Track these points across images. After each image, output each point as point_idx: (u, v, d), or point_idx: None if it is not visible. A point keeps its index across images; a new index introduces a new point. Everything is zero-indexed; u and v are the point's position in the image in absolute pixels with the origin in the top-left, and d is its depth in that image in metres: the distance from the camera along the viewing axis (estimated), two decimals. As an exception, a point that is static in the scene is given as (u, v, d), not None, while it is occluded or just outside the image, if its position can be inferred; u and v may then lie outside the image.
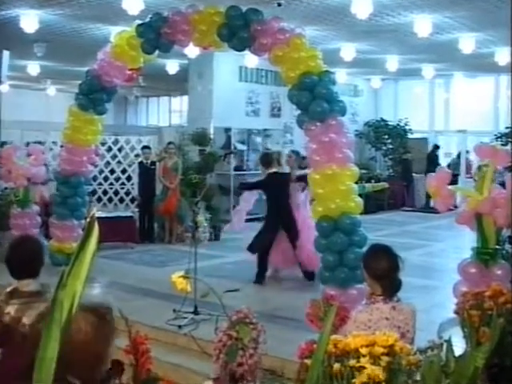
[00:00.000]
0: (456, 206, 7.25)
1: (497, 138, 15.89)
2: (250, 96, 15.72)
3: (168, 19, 7.82)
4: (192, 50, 11.53)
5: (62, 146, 9.89)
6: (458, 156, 18.21)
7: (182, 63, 15.39)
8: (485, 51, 13.25)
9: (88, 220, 1.49)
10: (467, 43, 12.26)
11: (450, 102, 19.49)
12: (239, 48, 7.55)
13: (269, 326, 4.68)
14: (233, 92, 15.09)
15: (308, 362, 2.00)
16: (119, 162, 13.22)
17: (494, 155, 5.97)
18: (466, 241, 8.00)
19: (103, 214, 10.78)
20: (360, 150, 18.10)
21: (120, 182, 12.99)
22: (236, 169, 14.58)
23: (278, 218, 8.38)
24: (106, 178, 12.93)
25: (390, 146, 18.76)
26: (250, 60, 13.79)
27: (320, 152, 6.67)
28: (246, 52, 7.93)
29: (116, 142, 13.24)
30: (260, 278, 8.26)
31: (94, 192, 12.29)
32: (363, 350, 1.92)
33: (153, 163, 11.76)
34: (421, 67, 16.31)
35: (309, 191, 7.73)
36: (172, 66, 15.95)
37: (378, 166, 19.25)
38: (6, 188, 10.29)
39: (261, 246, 8.32)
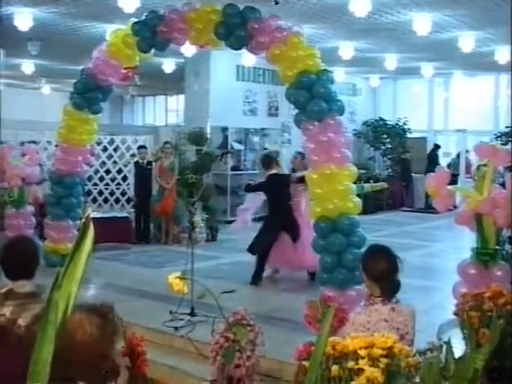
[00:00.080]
0: (455, 206, 7.21)
1: (497, 137, 15.89)
2: (247, 95, 15.65)
3: (164, 17, 7.77)
4: (188, 49, 11.51)
5: (56, 146, 9.82)
6: (458, 156, 18.17)
7: (178, 62, 15.34)
8: (485, 50, 13.20)
9: (83, 220, 1.49)
10: (467, 42, 12.21)
11: (450, 101, 19.43)
12: (236, 46, 7.50)
13: (266, 327, 4.67)
14: (230, 91, 15.02)
15: (306, 364, 2.02)
16: (115, 162, 13.19)
17: (493, 155, 5.95)
18: (466, 241, 7.97)
19: (98, 215, 10.75)
20: (358, 149, 18.05)
21: (116, 182, 12.94)
22: (233, 168, 14.51)
23: (279, 219, 8.36)
24: (101, 178, 12.89)
25: (389, 146, 18.71)
26: (247, 59, 13.74)
27: (318, 152, 6.62)
28: (243, 51, 7.88)
29: (112, 141, 13.19)
30: (256, 279, 8.21)
31: (89, 192, 12.22)
32: (362, 352, 1.93)
33: (149, 163, 11.69)
34: (420, 66, 16.25)
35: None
36: (168, 65, 15.90)
37: (377, 165, 19.20)
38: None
39: (261, 247, 8.30)
